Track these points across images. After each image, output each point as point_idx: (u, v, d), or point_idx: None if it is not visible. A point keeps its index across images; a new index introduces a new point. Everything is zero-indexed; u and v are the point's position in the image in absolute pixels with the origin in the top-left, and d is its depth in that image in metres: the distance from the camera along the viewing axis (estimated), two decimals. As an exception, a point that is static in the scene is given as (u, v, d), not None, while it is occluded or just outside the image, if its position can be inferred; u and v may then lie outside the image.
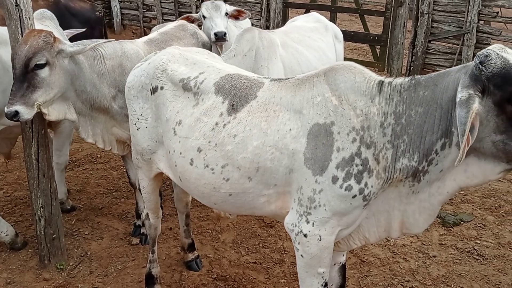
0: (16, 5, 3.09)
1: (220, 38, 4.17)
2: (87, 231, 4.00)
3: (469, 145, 1.89)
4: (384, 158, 2.19)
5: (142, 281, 3.35)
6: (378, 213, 2.36)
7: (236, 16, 4.50)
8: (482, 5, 7.27)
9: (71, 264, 3.58)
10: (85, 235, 3.96)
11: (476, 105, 1.87)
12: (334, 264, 2.71)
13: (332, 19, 8.95)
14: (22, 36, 3.11)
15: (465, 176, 2.11)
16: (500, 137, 1.92)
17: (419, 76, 2.21)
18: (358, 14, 9.23)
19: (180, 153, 2.57)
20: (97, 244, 3.85)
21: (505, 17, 8.06)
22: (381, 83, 2.23)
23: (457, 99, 1.91)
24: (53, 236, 3.47)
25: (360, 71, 2.31)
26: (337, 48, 4.67)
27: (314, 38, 4.52)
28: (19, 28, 3.14)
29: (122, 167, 5.17)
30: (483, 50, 1.96)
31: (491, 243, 3.99)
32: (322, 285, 2.42)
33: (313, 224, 2.29)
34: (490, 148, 1.96)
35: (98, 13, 5.66)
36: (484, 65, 1.90)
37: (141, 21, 10.77)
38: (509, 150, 1.92)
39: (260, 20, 8.90)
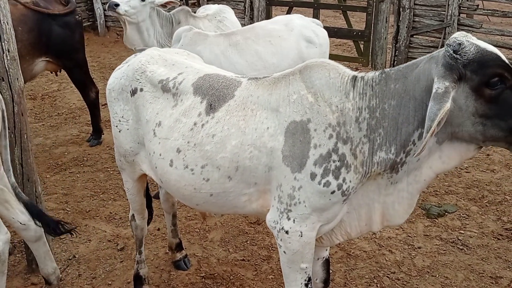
0: (-7, 10, 3.08)
1: (110, 6, 4.79)
2: (74, 235, 4.00)
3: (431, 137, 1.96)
4: (361, 152, 2.23)
5: (130, 282, 3.37)
6: (358, 207, 2.39)
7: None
8: (462, -2, 7.37)
9: (59, 267, 3.59)
10: (72, 238, 3.96)
11: (448, 104, 1.91)
12: (318, 259, 2.75)
13: (316, 16, 9.01)
14: (0, 41, 3.11)
15: (441, 162, 2.16)
16: (480, 119, 1.97)
17: (388, 69, 2.25)
18: (341, 10, 9.28)
19: (160, 155, 2.59)
20: (84, 247, 3.86)
21: (486, 10, 8.17)
22: (354, 78, 2.27)
23: (434, 90, 1.95)
24: (40, 241, 3.46)
25: (334, 67, 2.34)
26: (308, 51, 4.53)
27: (270, 40, 4.48)
28: (-3, 33, 3.13)
29: (108, 169, 5.17)
30: (451, 39, 2.01)
31: (475, 232, 4.07)
32: (305, 280, 2.46)
33: (294, 220, 2.33)
34: (469, 130, 2.00)
35: (77, 16, 5.64)
36: (459, 53, 1.94)
37: (126, 22, 10.71)
38: (488, 131, 1.98)
39: (244, 18, 8.91)
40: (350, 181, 2.25)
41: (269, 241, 3.94)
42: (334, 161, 2.22)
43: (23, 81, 3.36)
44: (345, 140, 2.22)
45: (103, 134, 5.90)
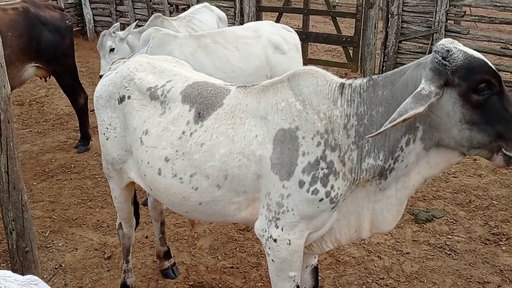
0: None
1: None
2: (61, 243, 3.96)
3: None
4: (349, 159, 2.24)
5: (117, 291, 3.35)
6: (348, 214, 2.40)
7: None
8: (450, 5, 7.44)
9: (45, 277, 3.54)
10: (59, 247, 3.92)
11: (422, 109, 1.94)
12: (306, 266, 2.75)
13: (305, 22, 9.05)
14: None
15: (428, 167, 2.18)
16: (466, 126, 1.99)
17: (376, 76, 2.27)
18: (330, 17, 9.34)
19: (148, 163, 2.57)
20: (71, 256, 3.81)
21: (473, 16, 8.27)
22: (342, 86, 2.28)
23: (418, 89, 1.97)
24: (26, 250, 3.42)
25: (322, 75, 2.35)
26: (275, 57, 4.60)
27: (238, 45, 4.57)
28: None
29: (96, 176, 5.13)
30: (439, 46, 2.03)
31: (463, 237, 4.09)
32: (294, 288, 2.45)
33: (282, 228, 2.32)
34: (455, 136, 2.02)
35: (68, 21, 5.61)
36: (447, 59, 1.96)
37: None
38: (474, 137, 2.00)
39: (234, 24, 8.93)
40: (338, 188, 2.26)
41: (258, 248, 3.92)
42: (322, 169, 2.23)
43: (9, 88, 3.32)
44: (333, 147, 2.23)
45: (91, 140, 5.85)
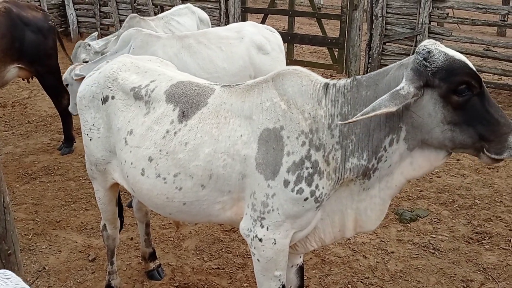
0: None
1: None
2: (44, 245, 3.90)
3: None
4: (334, 159, 2.25)
5: (102, 293, 3.31)
6: (332, 213, 2.41)
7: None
8: (433, 7, 7.55)
9: (28, 279, 3.49)
10: (42, 249, 3.86)
11: (395, 109, 1.98)
12: (292, 266, 2.75)
13: (291, 24, 9.10)
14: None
15: (412, 168, 2.20)
16: (448, 126, 2.01)
17: (359, 76, 2.29)
18: (315, 18, 9.40)
19: (131, 163, 2.55)
20: (55, 258, 3.76)
21: (456, 18, 8.41)
22: (326, 86, 2.29)
23: (398, 87, 1.99)
24: (8, 252, 3.35)
25: (307, 75, 2.36)
26: (259, 57, 4.64)
27: (221, 46, 4.60)
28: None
29: (80, 178, 5.07)
30: (421, 47, 2.05)
31: (446, 236, 4.14)
32: (279, 287, 2.45)
33: (267, 228, 2.32)
34: (438, 137, 2.04)
35: (50, 22, 5.55)
36: (428, 61, 1.99)
37: (98, 29, 10.58)
38: (456, 137, 2.02)
39: (219, 25, 8.92)
40: (323, 188, 2.27)
41: (244, 248, 3.92)
42: (307, 168, 2.23)
43: (-10, 88, 3.27)
44: (318, 147, 2.24)
45: (75, 142, 5.79)
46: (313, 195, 2.26)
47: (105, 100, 2.72)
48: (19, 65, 5.31)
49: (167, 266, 3.68)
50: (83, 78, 4.37)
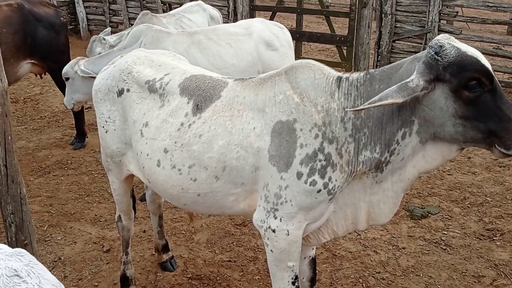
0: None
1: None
2: (59, 237, 3.97)
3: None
4: (346, 152, 2.27)
5: (117, 283, 3.35)
6: (345, 206, 2.43)
7: None
8: (442, 5, 7.52)
9: (43, 270, 3.55)
10: (57, 240, 3.93)
11: (401, 101, 2.00)
12: (304, 257, 2.78)
13: (299, 21, 9.10)
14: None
15: (424, 161, 2.21)
16: (459, 121, 2.02)
17: (373, 70, 2.31)
18: (324, 16, 9.40)
19: (147, 155, 2.60)
20: (70, 249, 3.82)
21: (465, 16, 8.37)
22: (339, 79, 2.31)
23: (407, 79, 2.01)
24: (25, 242, 3.42)
25: (319, 68, 2.38)
26: (267, 54, 4.68)
27: (230, 42, 4.65)
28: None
29: (93, 172, 5.14)
30: (434, 41, 2.07)
31: (458, 233, 4.15)
32: (292, 278, 2.48)
33: (280, 219, 2.35)
34: (450, 131, 2.06)
35: (62, 18, 5.61)
36: (440, 55, 2.00)
37: (108, 26, 10.63)
38: (467, 132, 2.03)
39: (228, 23, 8.95)
40: (336, 180, 2.29)
41: (255, 242, 3.95)
42: (320, 161, 2.26)
43: (7, 82, 3.32)
44: (331, 139, 2.26)
45: (87, 137, 5.85)
46: (326, 187, 2.28)
47: (120, 93, 2.76)
48: (32, 61, 5.38)
49: (179, 258, 3.73)
50: (91, 76, 4.47)
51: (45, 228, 4.08)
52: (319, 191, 2.28)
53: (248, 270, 3.61)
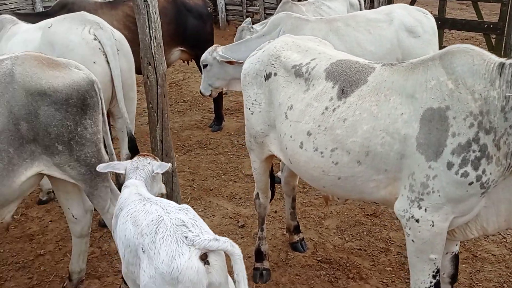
0: (144, 1, 3.43)
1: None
2: (200, 209, 4.32)
3: None
4: (505, 144, 2.12)
5: (251, 256, 3.55)
6: (498, 201, 2.28)
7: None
8: None
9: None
10: (198, 212, 4.25)
11: None
12: (447, 253, 2.66)
13: (442, 7, 8.50)
14: (149, 29, 3.46)
15: None
16: None
17: None
18: (470, 1, 8.64)
19: (291, 137, 2.69)
20: (209, 221, 4.14)
21: None
22: (502, 65, 2.15)
23: None
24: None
25: (479, 54, 2.24)
26: (409, 41, 4.48)
27: (370, 29, 4.52)
28: (147, 22, 3.48)
29: (228, 153, 5.47)
30: None
31: None
32: (434, 271, 2.39)
33: (425, 209, 2.28)
34: None
35: (209, 8, 6.02)
36: None
37: (244, 16, 11.11)
38: None
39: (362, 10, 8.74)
40: (490, 173, 2.15)
41: (387, 234, 3.87)
42: (474, 151, 2.14)
43: (165, 66, 3.69)
44: (488, 130, 2.13)
45: (224, 121, 6.23)
46: (479, 180, 2.15)
47: (268, 76, 2.90)
48: (182, 48, 5.87)
49: (309, 241, 3.81)
50: (229, 61, 4.71)
51: (188, 200, 4.47)
52: (470, 183, 2.16)
53: (379, 261, 3.56)
